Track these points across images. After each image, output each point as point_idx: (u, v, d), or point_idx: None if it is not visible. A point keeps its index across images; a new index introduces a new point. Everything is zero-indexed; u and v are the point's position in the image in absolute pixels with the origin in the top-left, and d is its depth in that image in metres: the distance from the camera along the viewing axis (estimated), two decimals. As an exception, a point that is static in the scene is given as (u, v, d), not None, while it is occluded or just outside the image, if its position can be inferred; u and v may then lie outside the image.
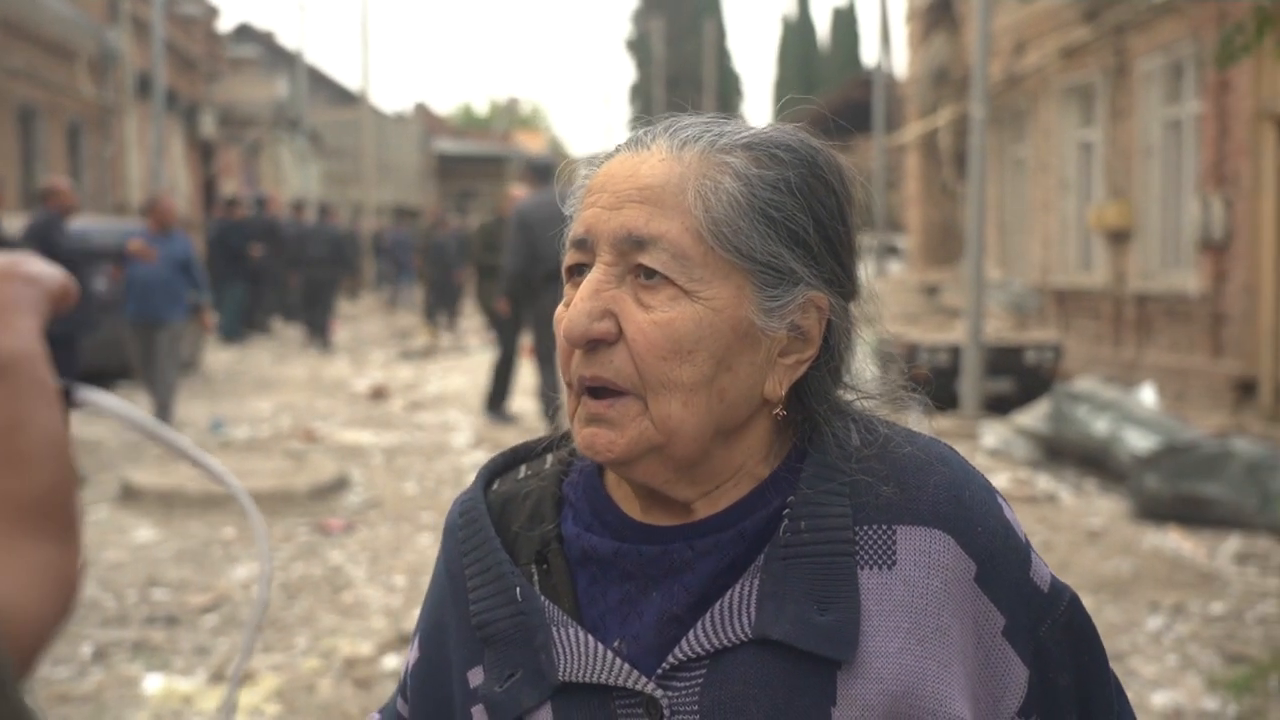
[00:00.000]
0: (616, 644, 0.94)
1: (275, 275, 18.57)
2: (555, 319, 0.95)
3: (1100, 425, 8.49)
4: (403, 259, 24.27)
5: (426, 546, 6.64)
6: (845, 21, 50.74)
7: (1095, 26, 13.58)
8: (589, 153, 1.03)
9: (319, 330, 17.06)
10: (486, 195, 37.49)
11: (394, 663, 4.81)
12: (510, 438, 9.67)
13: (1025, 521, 7.29)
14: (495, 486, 1.06)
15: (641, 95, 48.80)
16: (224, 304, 16.86)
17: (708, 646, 0.91)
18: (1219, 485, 7.12)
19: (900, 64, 23.78)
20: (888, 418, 1.09)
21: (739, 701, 0.90)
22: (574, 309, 0.92)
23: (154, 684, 4.59)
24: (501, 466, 1.08)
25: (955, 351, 11.29)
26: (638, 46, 50.05)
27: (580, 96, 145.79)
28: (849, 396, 1.03)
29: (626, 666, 0.92)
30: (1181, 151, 12.38)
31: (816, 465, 0.96)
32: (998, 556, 0.96)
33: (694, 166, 0.93)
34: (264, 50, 38.39)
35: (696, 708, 0.91)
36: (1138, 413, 8.52)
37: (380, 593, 5.81)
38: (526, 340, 9.80)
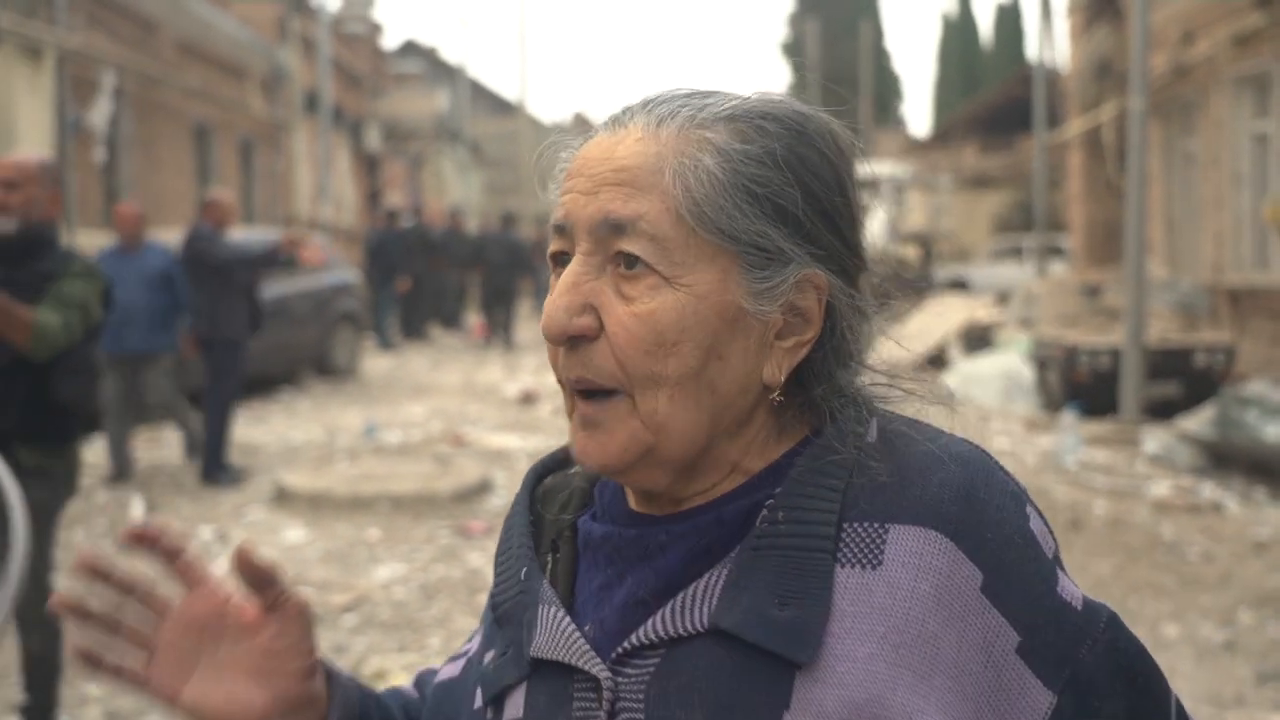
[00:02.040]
0: (587, 627, 0.92)
1: (432, 283, 19.06)
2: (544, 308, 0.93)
3: (1272, 430, 8.04)
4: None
5: (564, 550, 6.68)
6: (1008, 17, 49.49)
7: (1269, 12, 12.91)
8: (568, 133, 0.98)
9: (502, 329, 17.97)
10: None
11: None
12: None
13: (1186, 532, 6.95)
14: (547, 481, 1.06)
15: (798, 98, 48.33)
16: (380, 312, 17.34)
17: (664, 634, 0.87)
18: (1400, 495, 6.66)
19: (1063, 59, 23.06)
20: (921, 410, 1.01)
21: (686, 694, 0.85)
22: (552, 304, 0.88)
23: (290, 681, 4.69)
24: (552, 465, 1.08)
25: (1116, 354, 10.86)
26: (793, 49, 49.66)
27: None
28: (863, 379, 0.95)
29: (584, 646, 0.89)
30: (1365, 141, 11.67)
31: (813, 455, 0.90)
32: (1011, 567, 0.86)
33: (671, 144, 0.88)
34: (427, 65, 39.42)
35: (642, 696, 0.87)
36: (1312, 417, 8.05)
37: (515, 595, 5.86)
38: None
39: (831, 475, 0.89)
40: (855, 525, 0.87)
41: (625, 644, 0.88)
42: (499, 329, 18.13)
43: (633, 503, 0.96)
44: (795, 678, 0.83)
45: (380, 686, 4.58)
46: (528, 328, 21.21)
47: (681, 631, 0.87)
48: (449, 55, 41.59)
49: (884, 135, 41.37)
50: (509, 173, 36.55)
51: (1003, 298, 18.34)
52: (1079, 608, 0.88)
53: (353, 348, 14.28)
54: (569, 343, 0.88)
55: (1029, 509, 0.90)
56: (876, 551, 0.86)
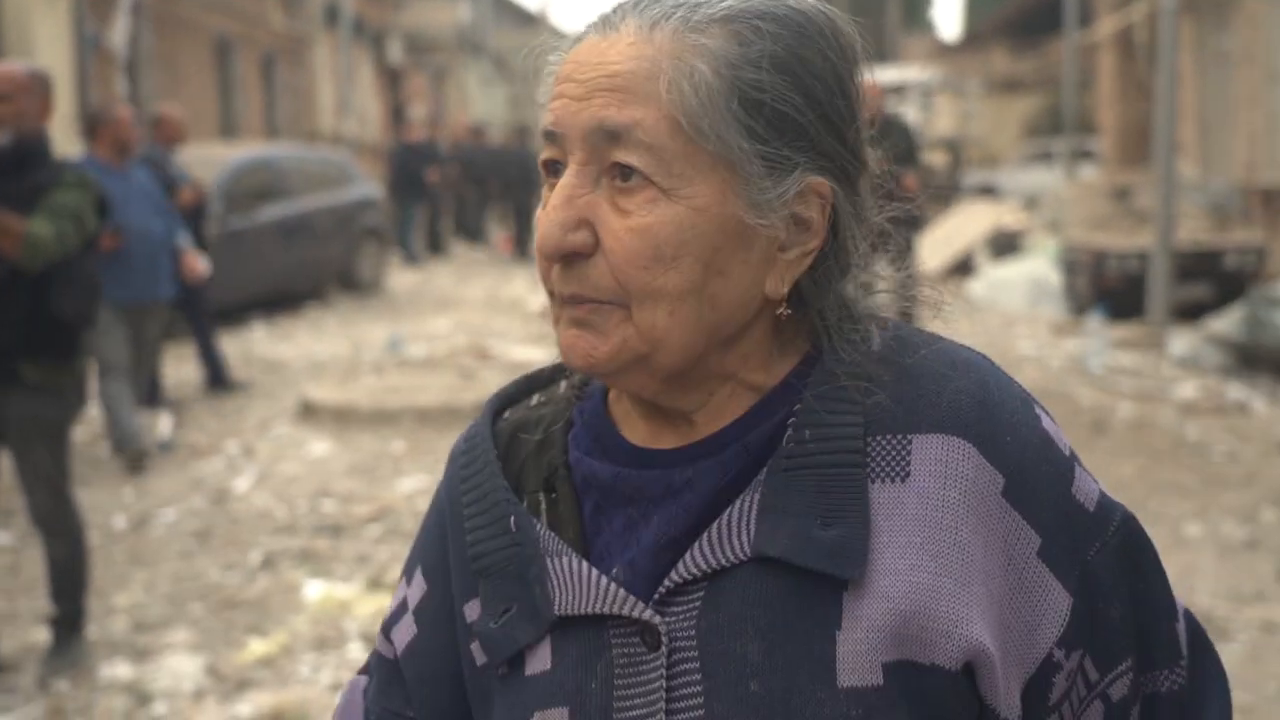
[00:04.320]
0: (614, 571, 0.88)
1: (449, 198, 19.08)
2: (536, 221, 0.89)
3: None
4: None
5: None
6: (1041, -86, 48.21)
7: (1308, -99, 12.52)
8: (556, 35, 0.94)
9: (523, 243, 17.91)
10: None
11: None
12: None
13: (1211, 432, 6.91)
14: (507, 415, 1.00)
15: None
16: (404, 227, 17.33)
17: (704, 567, 0.85)
18: None
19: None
20: (924, 320, 1.00)
21: (738, 624, 0.84)
22: (547, 219, 0.85)
23: (315, 590, 4.77)
24: (513, 395, 1.02)
25: (1145, 258, 10.72)
26: (822, -48, 48.70)
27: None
28: (866, 290, 0.93)
29: (622, 593, 0.86)
30: (1405, 33, 11.37)
31: (826, 370, 0.88)
32: (1030, 469, 0.86)
33: (666, 49, 0.84)
34: (447, -25, 38.87)
35: (693, 632, 0.85)
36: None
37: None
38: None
39: (847, 391, 0.87)
40: (879, 438, 0.86)
41: (666, 583, 0.86)
42: (517, 243, 18.19)
43: (637, 437, 0.92)
44: (843, 596, 0.83)
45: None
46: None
47: (723, 562, 0.85)
48: (470, -34, 41.00)
49: (912, 40, 40.61)
50: (534, 86, 36.19)
51: (1031, 203, 18.12)
52: (1092, 509, 0.88)
53: (378, 263, 14.29)
54: (564, 260, 0.86)
55: (1038, 409, 0.89)
56: (903, 463, 0.85)
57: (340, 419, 7.59)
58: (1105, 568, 0.87)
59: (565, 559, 0.89)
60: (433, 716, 0.97)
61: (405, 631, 0.99)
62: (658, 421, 0.92)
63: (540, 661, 0.89)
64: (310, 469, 6.63)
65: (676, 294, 0.84)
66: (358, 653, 4.24)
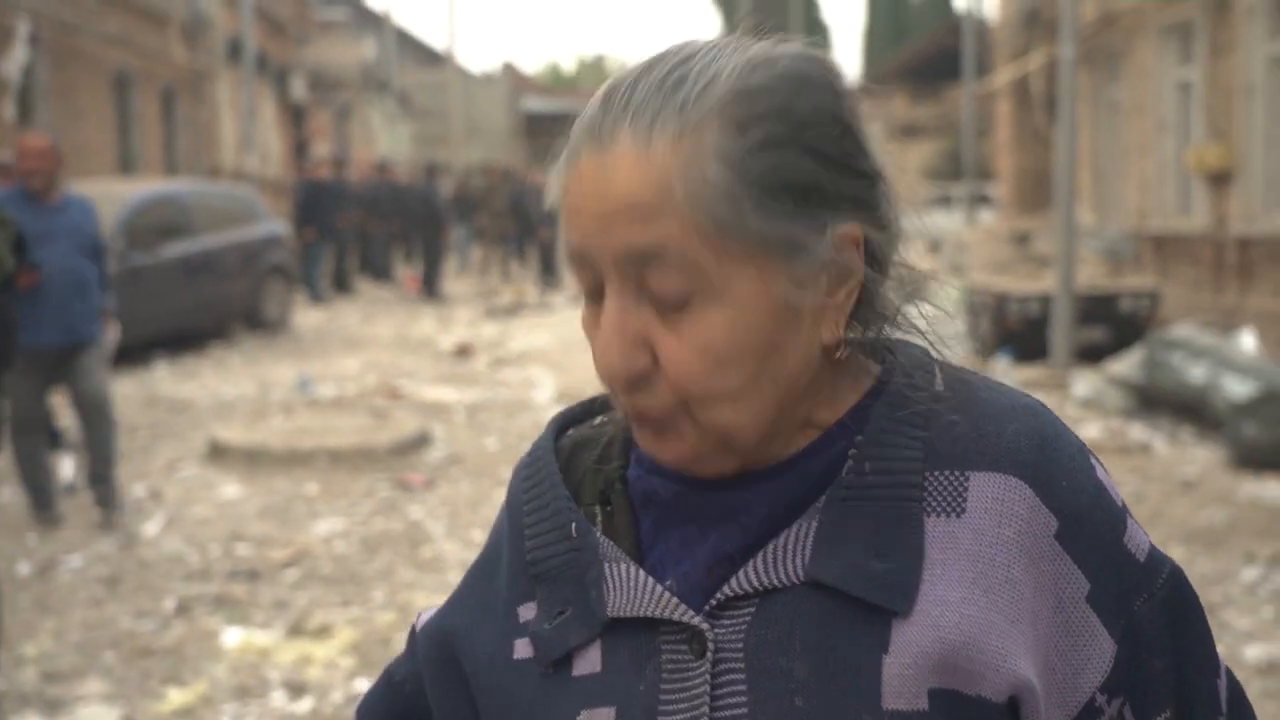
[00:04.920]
0: (669, 582, 0.91)
1: (356, 236, 18.93)
2: (583, 326, 0.90)
3: (1196, 372, 8.21)
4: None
5: (505, 501, 6.66)
6: (936, -34, 49.53)
7: (1194, -40, 13.07)
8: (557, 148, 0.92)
9: (430, 283, 17.89)
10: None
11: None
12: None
13: (1116, 473, 7.09)
14: (570, 433, 1.03)
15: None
16: (310, 265, 17.11)
17: (758, 585, 0.87)
18: (1321, 433, 6.85)
19: (991, 7, 23.18)
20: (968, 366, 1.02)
21: (786, 641, 0.86)
22: (606, 347, 0.86)
23: (233, 637, 4.66)
24: (577, 416, 1.04)
25: (1046, 301, 11.01)
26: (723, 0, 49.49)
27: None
28: (914, 322, 0.95)
29: (674, 599, 0.89)
30: (1286, 88, 11.88)
31: (888, 405, 0.90)
32: (1084, 515, 0.88)
33: (670, 162, 0.83)
34: (352, 12, 38.67)
35: (741, 644, 0.87)
36: (1236, 359, 8.23)
37: (459, 548, 5.84)
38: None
39: (910, 424, 0.89)
40: (937, 473, 0.87)
41: (719, 595, 0.88)
42: (427, 283, 18.11)
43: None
44: (893, 621, 0.84)
45: (326, 643, 4.56)
46: (455, 281, 21.08)
47: (776, 583, 0.87)
48: (374, 2, 40.74)
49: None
50: (438, 123, 36.06)
51: (933, 246, 18.50)
52: (1142, 560, 0.89)
53: (284, 301, 14.08)
54: (628, 384, 0.86)
55: (1093, 460, 0.91)
56: (960, 499, 0.86)
57: (251, 460, 7.44)
58: (1151, 620, 0.88)
59: (622, 565, 0.91)
60: (432, 693, 1.02)
61: (438, 614, 1.06)
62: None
63: (589, 663, 0.91)
64: (221, 512, 6.48)
65: (738, 389, 0.85)
66: (281, 701, 4.14)
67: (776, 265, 0.84)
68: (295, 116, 27.62)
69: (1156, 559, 0.90)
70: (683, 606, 0.88)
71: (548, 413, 9.17)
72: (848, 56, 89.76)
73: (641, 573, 0.90)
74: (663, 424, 0.87)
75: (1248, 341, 9.14)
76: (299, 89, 27.03)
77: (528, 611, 0.96)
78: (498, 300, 17.93)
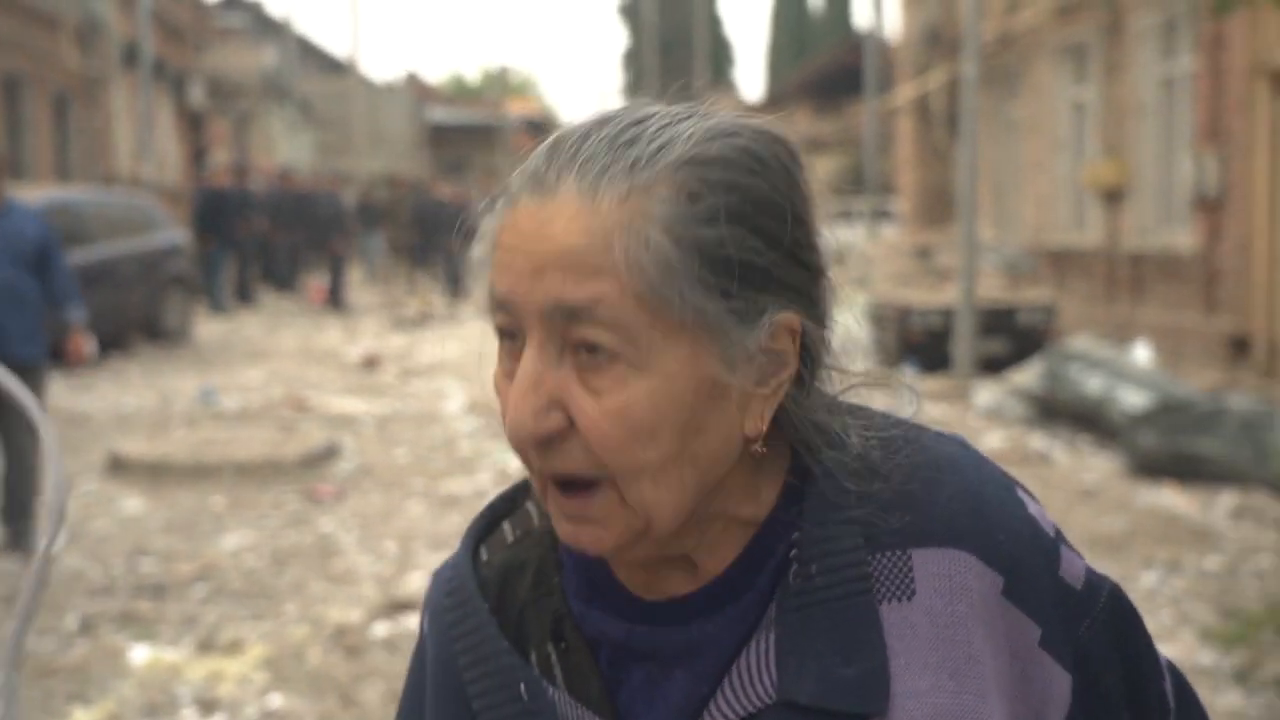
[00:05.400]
0: None
1: (259, 245, 18.62)
2: (494, 384, 0.85)
3: (1094, 384, 8.45)
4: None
5: (418, 514, 6.61)
6: (838, -16, 50.30)
7: (1088, -17, 13.46)
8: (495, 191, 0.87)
9: (335, 293, 17.75)
10: (479, 164, 37.29)
11: (384, 630, 4.77)
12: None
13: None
14: (485, 557, 0.95)
15: (634, 62, 48.51)
16: (212, 275, 16.80)
17: (731, 716, 0.84)
18: (1214, 441, 7.09)
19: (893, 26, 23.62)
20: (886, 406, 0.98)
21: None
22: (516, 408, 0.80)
23: (140, 655, 4.55)
24: (484, 529, 0.97)
25: (948, 314, 11.25)
26: (630, 12, 49.68)
27: (572, 64, 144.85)
28: (837, 386, 0.91)
29: None
30: (1175, 109, 12.30)
31: (817, 497, 0.87)
32: (1024, 563, 0.87)
33: (614, 218, 0.79)
34: (252, 19, 38.09)
35: None
36: (1131, 371, 8.48)
37: (370, 560, 5.77)
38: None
39: (842, 511, 0.86)
40: (880, 555, 0.85)
41: None
42: (331, 294, 17.97)
43: (636, 584, 0.89)
44: None
45: (237, 658, 4.47)
46: (361, 292, 20.85)
47: (749, 709, 0.84)
48: (275, 9, 40.30)
49: (718, 100, 41.60)
50: (340, 132, 35.64)
51: (838, 259, 18.73)
52: (1079, 588, 0.89)
53: (184, 311, 13.80)
54: (539, 444, 0.82)
55: (1020, 494, 0.90)
56: (907, 581, 0.85)
57: (153, 474, 7.28)
58: (1096, 641, 0.89)
59: None
60: None
61: None
62: (656, 566, 0.89)
63: None
64: (124, 527, 6.33)
65: (659, 464, 0.81)
66: (192, 718, 4.05)
67: (709, 343, 0.80)
68: (193, 124, 27.09)
69: (1094, 583, 0.90)
70: None
71: (459, 424, 9.12)
72: (751, 72, 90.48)
73: None
74: (583, 514, 0.83)
75: (1142, 354, 9.43)
76: (197, 96, 26.52)
77: None
78: (404, 311, 17.78)
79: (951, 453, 0.90)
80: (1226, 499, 6.72)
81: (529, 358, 0.81)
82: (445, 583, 0.94)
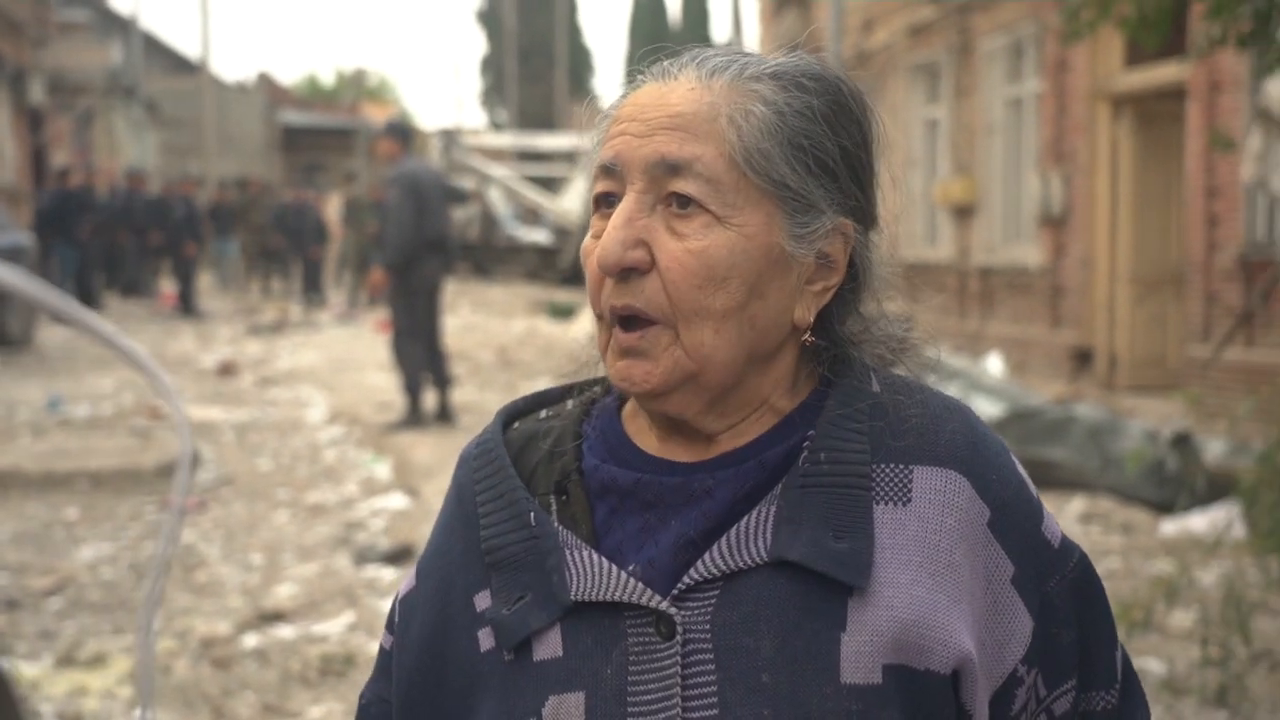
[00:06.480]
0: (631, 567, 0.94)
1: (103, 248, 18.01)
2: (583, 250, 0.96)
3: (950, 393, 8.72)
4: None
5: (283, 523, 6.48)
6: (696, -2, 50.91)
7: (940, 6, 13.91)
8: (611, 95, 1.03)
9: (186, 298, 17.29)
10: (334, 168, 36.61)
11: (253, 641, 4.66)
12: (377, 419, 9.51)
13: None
14: (516, 426, 1.07)
15: (493, 68, 48.25)
16: (56, 279, 16.17)
17: (723, 568, 0.92)
18: (1062, 449, 7.40)
19: (751, 41, 24.01)
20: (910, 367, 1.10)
21: (750, 621, 0.91)
22: (608, 237, 0.93)
23: (-4, 670, 4.36)
24: (522, 409, 1.09)
25: (809, 323, 11.49)
26: (488, 18, 49.43)
27: (430, 68, 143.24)
28: (875, 329, 1.04)
29: (639, 585, 0.92)
30: (1022, 129, 12.78)
31: (840, 400, 0.98)
32: (1011, 506, 0.97)
33: (724, 94, 0.94)
34: (95, 14, 36.78)
35: (708, 626, 0.91)
36: (984, 381, 8.79)
37: (236, 571, 5.64)
38: (382, 314, 9.48)
39: (858, 420, 0.97)
40: (884, 466, 0.95)
41: (686, 579, 0.92)
42: (182, 299, 17.51)
43: (652, 448, 0.99)
44: (848, 602, 0.91)
45: (101, 672, 4.33)
46: (214, 297, 20.32)
47: (740, 565, 0.92)
48: (120, 5, 38.98)
49: (577, 107, 41.76)
50: (189, 133, 34.64)
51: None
52: (1056, 546, 1.00)
53: (26, 316, 13.26)
54: (621, 274, 0.93)
55: (1013, 457, 1.02)
56: (905, 490, 0.95)
57: (1, 485, 6.98)
58: (1061, 597, 0.99)
59: (584, 551, 0.95)
60: (401, 707, 1.02)
61: (392, 624, 1.06)
62: (675, 439, 0.99)
63: (550, 648, 0.94)
64: (-30, 539, 6.06)
65: (722, 313, 0.92)
66: (55, 736, 3.91)
67: (782, 215, 0.94)
68: (33, 122, 26.03)
69: (1068, 546, 1.01)
70: (649, 591, 0.92)
71: (321, 433, 8.96)
72: (611, 81, 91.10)
73: (603, 559, 0.94)
74: (638, 346, 0.93)
75: (995, 364, 9.77)
76: (37, 92, 25.49)
77: (483, 600, 0.98)
78: (260, 318, 17.37)
79: (957, 404, 1.03)
80: (1076, 504, 7.01)
81: (627, 201, 0.94)
82: (477, 440, 1.06)
